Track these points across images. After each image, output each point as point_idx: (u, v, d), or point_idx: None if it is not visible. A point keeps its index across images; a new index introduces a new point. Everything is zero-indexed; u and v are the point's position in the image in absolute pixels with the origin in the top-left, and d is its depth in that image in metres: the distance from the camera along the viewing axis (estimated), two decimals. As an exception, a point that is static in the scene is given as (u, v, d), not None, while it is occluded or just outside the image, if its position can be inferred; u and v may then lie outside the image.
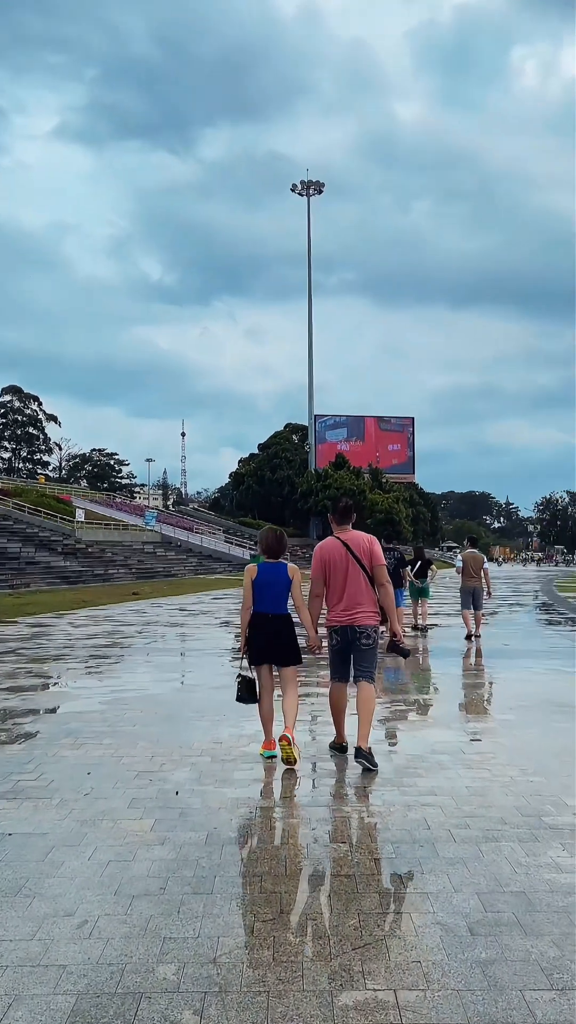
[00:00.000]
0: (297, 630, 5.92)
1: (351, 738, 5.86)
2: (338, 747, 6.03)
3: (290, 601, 5.93)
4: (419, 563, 15.52)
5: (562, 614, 20.31)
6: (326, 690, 6.40)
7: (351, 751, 5.75)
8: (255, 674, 5.98)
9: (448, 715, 7.55)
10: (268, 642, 5.83)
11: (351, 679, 5.83)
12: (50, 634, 14.98)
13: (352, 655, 5.79)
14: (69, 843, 4.17)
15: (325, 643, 5.96)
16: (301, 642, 5.96)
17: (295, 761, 5.57)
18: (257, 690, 5.94)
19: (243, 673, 5.98)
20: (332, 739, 6.15)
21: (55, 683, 9.39)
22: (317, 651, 5.95)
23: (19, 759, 5.84)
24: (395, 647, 5.95)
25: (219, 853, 4.03)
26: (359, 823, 4.48)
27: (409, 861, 3.93)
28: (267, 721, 5.99)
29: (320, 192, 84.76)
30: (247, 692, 5.95)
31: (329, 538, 6.04)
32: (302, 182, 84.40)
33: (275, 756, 5.75)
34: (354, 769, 5.55)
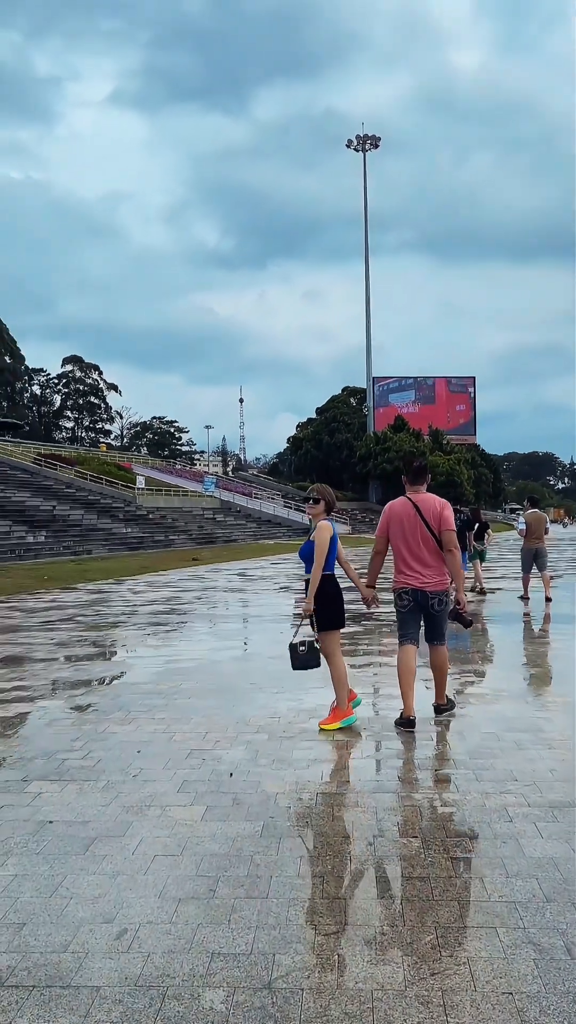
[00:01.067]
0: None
1: (418, 712, 5.49)
2: (406, 721, 5.58)
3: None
4: (476, 525, 15.24)
5: None
6: (385, 659, 5.94)
7: (422, 717, 5.55)
8: (331, 639, 5.67)
9: (520, 688, 7.01)
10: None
11: (418, 643, 5.68)
12: (109, 600, 14.84)
13: (424, 620, 5.71)
14: (113, 833, 3.82)
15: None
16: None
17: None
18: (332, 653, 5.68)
19: (307, 640, 5.68)
20: (399, 714, 5.71)
21: (110, 652, 9.14)
22: (374, 605, 5.99)
23: (67, 735, 5.54)
24: (458, 616, 5.74)
25: (276, 848, 3.62)
26: (431, 813, 4.02)
27: (491, 861, 3.46)
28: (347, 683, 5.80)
29: (376, 147, 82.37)
30: (313, 655, 5.67)
31: (400, 498, 5.85)
32: (357, 137, 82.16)
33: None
34: (424, 749, 5.09)
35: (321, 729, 5.59)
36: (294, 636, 5.79)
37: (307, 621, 5.67)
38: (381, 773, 4.66)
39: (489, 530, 15.85)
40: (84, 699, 6.66)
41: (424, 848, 3.60)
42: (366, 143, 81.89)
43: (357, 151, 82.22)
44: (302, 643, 5.69)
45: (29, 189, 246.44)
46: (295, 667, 5.72)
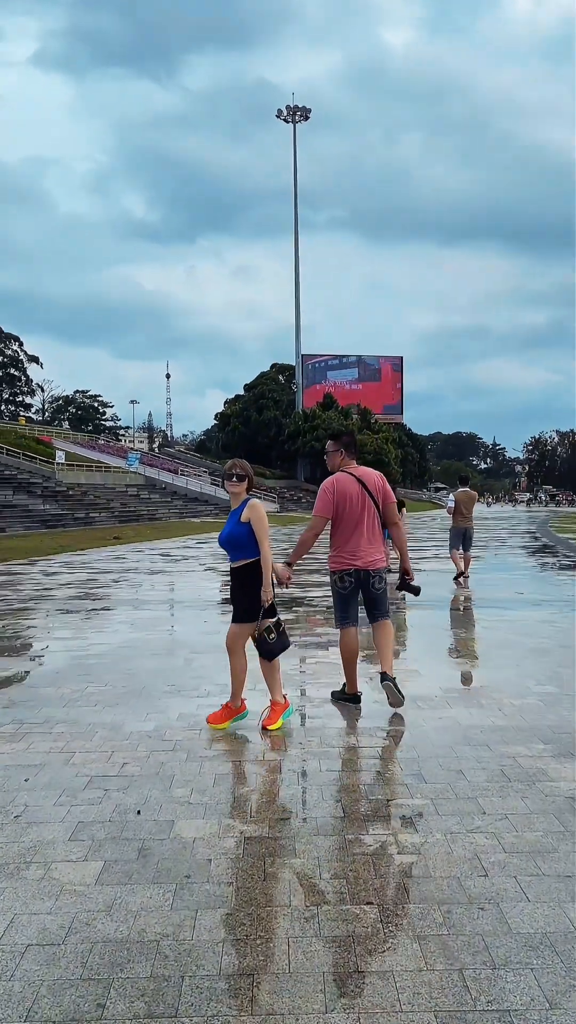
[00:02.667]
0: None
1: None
2: (352, 697, 5.62)
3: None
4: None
5: (568, 557, 19.15)
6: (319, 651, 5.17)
7: (366, 695, 5.63)
8: (245, 632, 5.15)
9: (470, 685, 6.33)
10: None
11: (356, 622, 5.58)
12: (18, 583, 13.66)
13: (366, 600, 5.54)
14: (-26, 911, 2.90)
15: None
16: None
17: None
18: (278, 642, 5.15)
19: (270, 623, 5.10)
20: (338, 689, 5.75)
21: (9, 647, 8.09)
22: (288, 584, 5.43)
23: None
24: (407, 585, 5.70)
25: (191, 928, 2.77)
26: (387, 866, 3.23)
27: (469, 942, 2.68)
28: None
29: (307, 119, 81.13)
30: (284, 639, 5.18)
31: (342, 474, 5.50)
32: (288, 107, 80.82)
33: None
34: (368, 769, 4.30)
35: (265, 729, 5.03)
36: (257, 632, 5.08)
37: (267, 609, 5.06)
38: (322, 805, 3.85)
39: (404, 509, 15.58)
40: (-30, 707, 5.66)
41: (382, 921, 2.81)
42: (296, 114, 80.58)
43: (287, 122, 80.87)
44: (268, 631, 5.06)
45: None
46: (274, 656, 5.14)
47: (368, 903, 2.93)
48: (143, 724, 5.17)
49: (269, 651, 5.08)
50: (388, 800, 3.90)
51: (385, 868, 3.20)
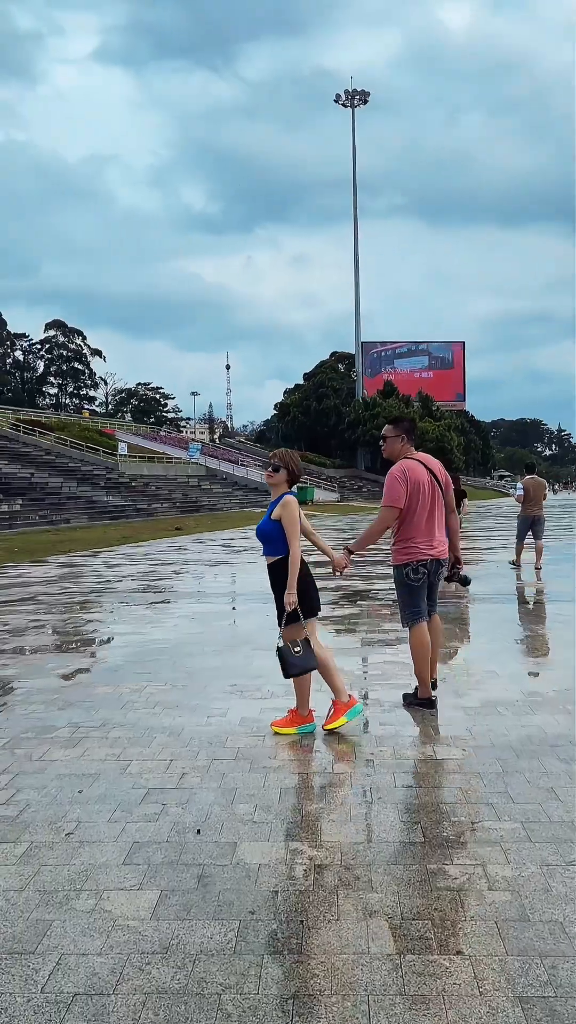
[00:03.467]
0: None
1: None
2: (426, 701, 5.27)
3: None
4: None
5: None
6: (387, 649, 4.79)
7: (442, 699, 5.40)
8: (301, 631, 4.74)
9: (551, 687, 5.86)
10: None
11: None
12: (80, 575, 13.60)
13: (428, 590, 5.28)
14: (16, 949, 2.62)
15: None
16: None
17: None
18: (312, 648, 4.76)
19: (302, 640, 4.71)
20: (410, 692, 5.40)
21: (68, 642, 7.92)
22: (342, 574, 5.30)
23: (-8, 765, 4.34)
24: (456, 574, 5.54)
25: (256, 979, 2.44)
26: (478, 904, 2.85)
27: (580, 1004, 2.29)
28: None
29: (365, 102, 79.85)
30: (310, 654, 4.71)
31: (408, 460, 5.23)
32: (346, 91, 79.77)
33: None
34: (449, 786, 3.91)
35: (275, 732, 4.76)
36: (279, 638, 4.69)
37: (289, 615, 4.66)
38: (399, 827, 3.48)
39: (465, 499, 15.59)
40: (24, 708, 5.44)
41: (477, 978, 2.43)
42: (355, 98, 79.38)
43: (345, 107, 79.78)
44: (294, 643, 4.65)
45: (10, 149, 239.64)
46: (291, 674, 4.70)
47: (458, 952, 2.55)
48: (204, 728, 4.88)
49: (289, 666, 4.62)
50: (473, 823, 3.51)
51: (475, 908, 2.81)
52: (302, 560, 4.67)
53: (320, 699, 5.12)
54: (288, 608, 4.60)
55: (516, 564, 13.70)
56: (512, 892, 2.91)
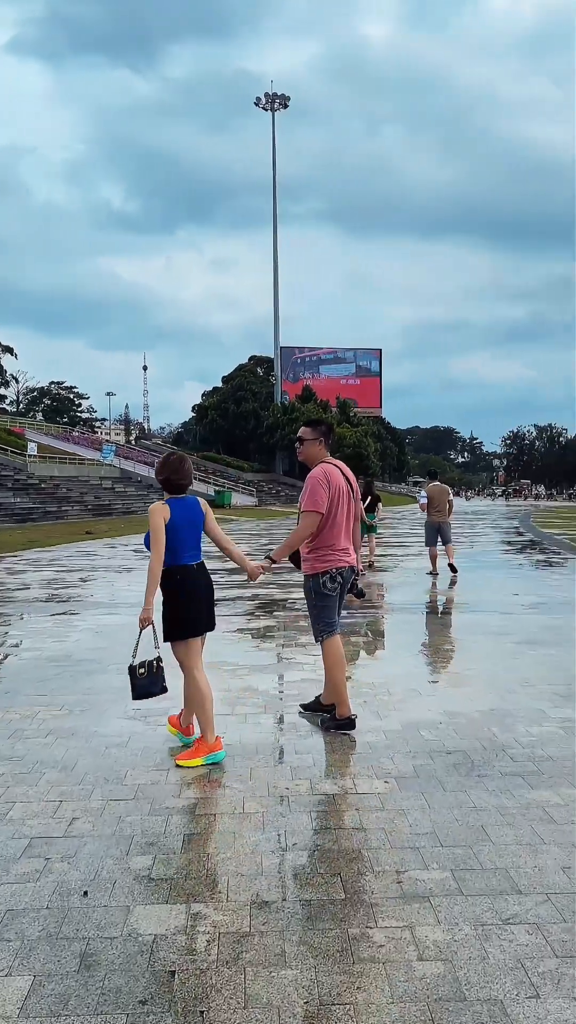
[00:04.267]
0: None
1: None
2: (347, 722, 4.94)
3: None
4: (368, 498, 14.84)
5: (558, 553, 18.52)
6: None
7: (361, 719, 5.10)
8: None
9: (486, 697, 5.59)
10: (204, 601, 4.51)
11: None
12: (-22, 584, 12.76)
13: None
14: None
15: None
16: None
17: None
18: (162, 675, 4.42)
19: (151, 661, 4.37)
20: (328, 714, 5.06)
21: (-41, 658, 7.24)
22: (256, 579, 5.01)
23: None
24: (355, 587, 5.35)
25: None
26: (423, 987, 2.47)
27: None
28: (211, 704, 4.50)
29: (285, 107, 79.84)
30: (156, 680, 4.38)
31: (328, 464, 4.99)
32: (266, 95, 79.52)
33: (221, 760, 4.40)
34: (368, 795, 3.54)
35: (178, 765, 4.30)
36: (134, 654, 4.33)
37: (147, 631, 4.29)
38: (316, 880, 3.08)
39: (380, 504, 15.67)
40: None
41: None
42: (275, 102, 79.30)
43: (266, 110, 79.57)
44: (141, 665, 4.34)
45: None
46: (134, 696, 4.39)
47: (387, 1047, 2.17)
48: (100, 761, 4.38)
49: (132, 687, 4.36)
50: (399, 872, 3.14)
51: (404, 985, 2.44)
52: (181, 570, 4.35)
53: (231, 724, 4.70)
54: (141, 624, 4.22)
55: (434, 572, 13.65)
56: (445, 962, 2.55)
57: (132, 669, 4.34)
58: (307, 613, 5.27)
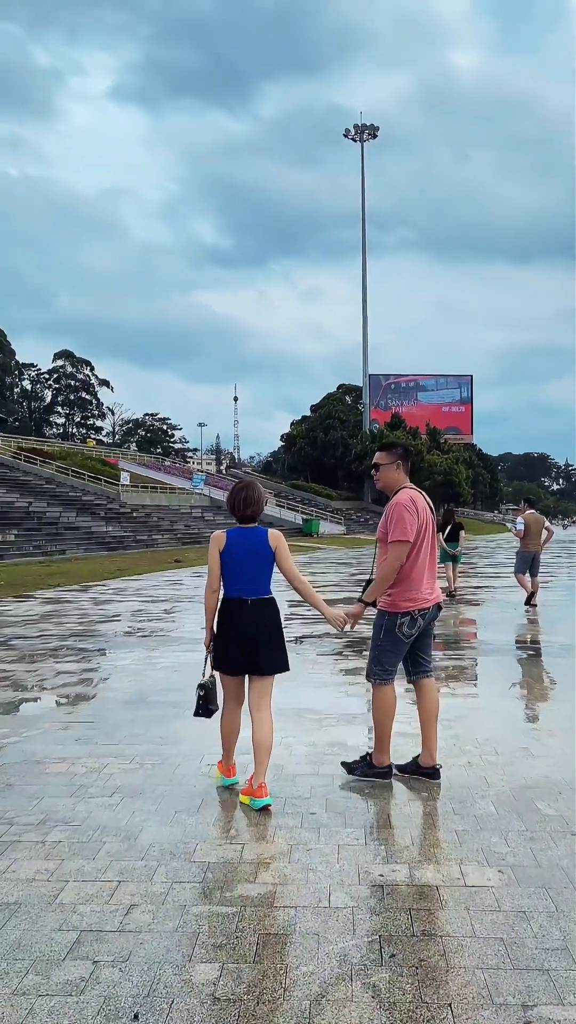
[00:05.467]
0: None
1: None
2: (383, 771, 4.52)
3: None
4: (449, 527, 14.62)
5: None
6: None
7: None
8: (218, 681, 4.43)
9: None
10: (247, 640, 4.21)
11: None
12: (63, 613, 12.60)
13: (421, 641, 4.58)
14: None
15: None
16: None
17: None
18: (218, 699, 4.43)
19: (206, 682, 4.40)
20: (362, 759, 4.61)
21: (27, 701, 6.91)
22: (349, 629, 4.59)
23: None
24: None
25: None
26: None
27: None
28: (230, 736, 4.43)
29: (375, 136, 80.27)
30: (211, 704, 4.41)
31: (411, 490, 4.52)
32: (356, 126, 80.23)
33: (235, 785, 4.40)
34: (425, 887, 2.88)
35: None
36: (204, 672, 4.42)
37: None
38: (424, 1012, 2.46)
39: (463, 531, 15.13)
40: (-45, 793, 4.43)
41: None
42: (364, 133, 79.81)
43: (355, 141, 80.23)
44: (200, 685, 4.43)
45: (27, 184, 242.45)
46: (206, 714, 4.44)
47: None
48: (168, 830, 3.86)
49: (198, 707, 4.43)
50: (526, 1007, 2.47)
51: None
52: (229, 609, 4.28)
53: (315, 786, 4.11)
54: (206, 647, 4.43)
55: (532, 604, 12.87)
56: None
57: (205, 691, 4.37)
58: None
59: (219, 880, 3.34)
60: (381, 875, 3.38)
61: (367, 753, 4.68)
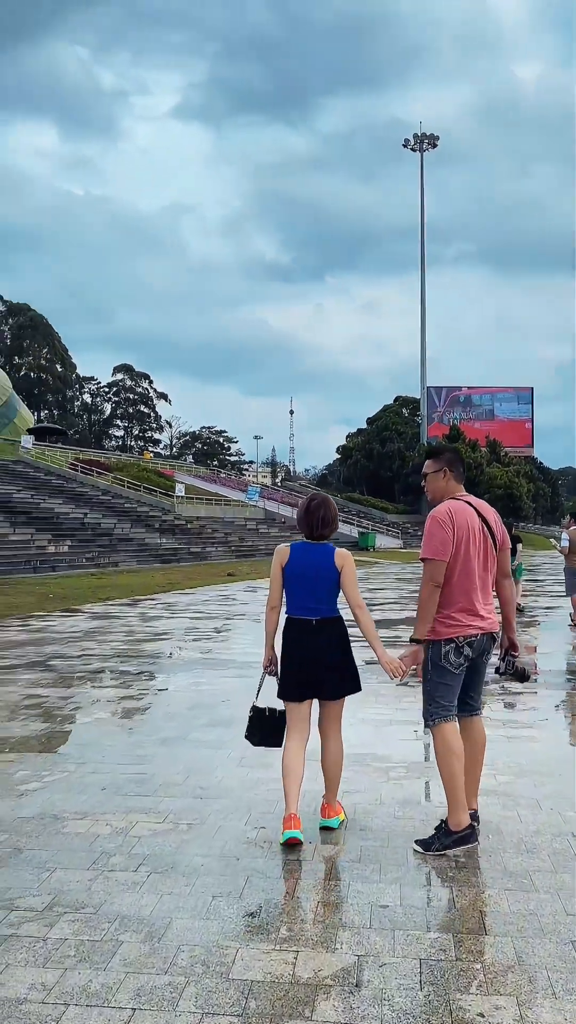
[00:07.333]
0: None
1: None
2: (464, 836, 3.75)
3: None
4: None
5: None
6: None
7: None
8: (283, 707, 4.04)
9: None
10: (313, 663, 3.89)
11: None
12: (109, 630, 11.98)
13: (470, 678, 3.94)
14: None
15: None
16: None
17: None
18: (284, 729, 4.01)
19: (258, 704, 4.10)
20: (443, 826, 3.79)
21: (54, 735, 6.21)
22: (401, 677, 3.90)
23: None
24: (512, 667, 4.02)
25: None
26: None
27: None
28: (290, 778, 3.82)
29: (434, 146, 79.15)
30: (266, 730, 4.07)
31: (458, 502, 3.93)
32: (415, 135, 79.13)
33: (298, 841, 3.69)
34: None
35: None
36: (258, 694, 4.15)
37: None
38: None
39: (520, 544, 14.24)
40: (-47, 858, 3.70)
41: None
42: (423, 142, 78.76)
43: (414, 151, 79.14)
44: (269, 709, 4.07)
45: (90, 204, 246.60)
46: (254, 742, 4.15)
47: None
48: (203, 926, 3.06)
49: (252, 732, 4.19)
50: None
51: None
52: (292, 628, 3.98)
53: (384, 858, 3.27)
54: (264, 666, 4.14)
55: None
56: None
57: (258, 712, 4.12)
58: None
59: (264, 1013, 2.52)
60: (480, 1014, 2.52)
61: (441, 821, 3.85)
